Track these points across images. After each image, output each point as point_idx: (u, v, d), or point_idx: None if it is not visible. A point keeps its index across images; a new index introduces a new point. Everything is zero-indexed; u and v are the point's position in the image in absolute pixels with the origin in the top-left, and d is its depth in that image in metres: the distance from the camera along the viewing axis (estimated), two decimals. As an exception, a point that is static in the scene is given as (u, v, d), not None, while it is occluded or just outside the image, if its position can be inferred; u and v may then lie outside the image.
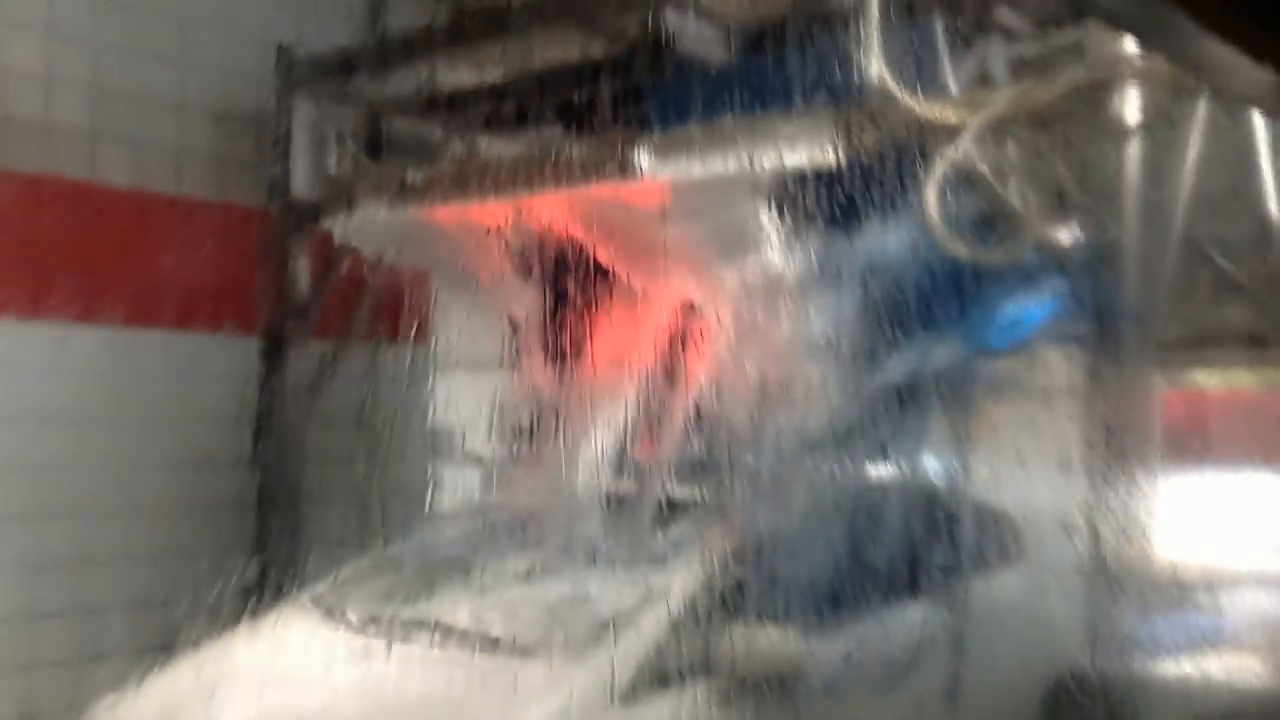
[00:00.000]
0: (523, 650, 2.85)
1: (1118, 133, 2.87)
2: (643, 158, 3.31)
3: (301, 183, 4.87)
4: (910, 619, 3.37)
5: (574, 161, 3.46)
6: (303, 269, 4.91)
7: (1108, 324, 2.89)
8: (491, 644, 2.92)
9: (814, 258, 3.31)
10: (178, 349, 5.15)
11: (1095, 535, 2.95)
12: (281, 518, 4.97)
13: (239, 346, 5.25)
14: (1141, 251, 2.94)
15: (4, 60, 4.74)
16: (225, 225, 5.30)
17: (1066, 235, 3.12)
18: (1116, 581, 2.93)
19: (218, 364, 5.25)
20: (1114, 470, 2.93)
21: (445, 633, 3.02)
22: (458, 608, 3.10)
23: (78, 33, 4.94)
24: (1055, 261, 3.17)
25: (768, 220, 3.24)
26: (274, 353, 5.01)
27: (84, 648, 4.83)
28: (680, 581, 2.89)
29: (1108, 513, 2.94)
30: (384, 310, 5.15)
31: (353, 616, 3.23)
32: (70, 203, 4.90)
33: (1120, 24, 1.90)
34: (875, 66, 3.04)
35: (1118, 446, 2.93)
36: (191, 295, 5.18)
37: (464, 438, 4.70)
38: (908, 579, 3.29)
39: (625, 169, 3.32)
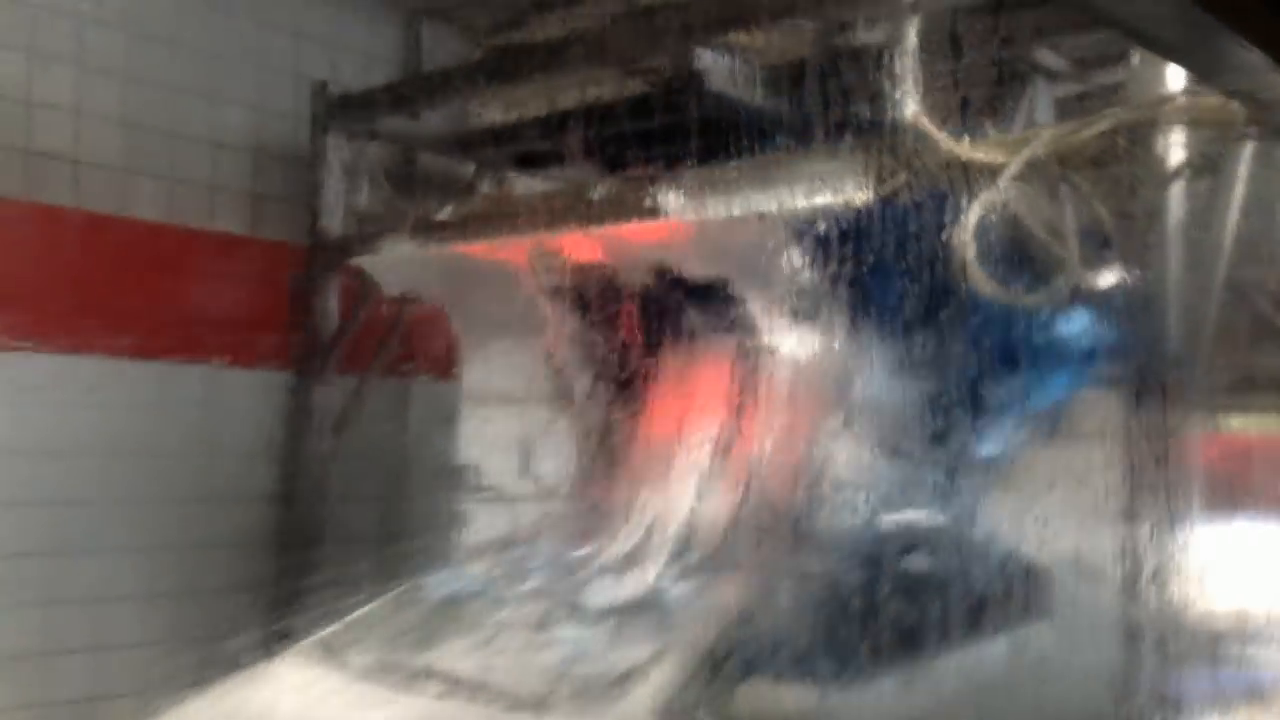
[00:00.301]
0: (530, 704, 2.74)
1: (1161, 174, 2.80)
2: (669, 197, 3.26)
3: (333, 219, 4.87)
4: (940, 672, 3.27)
5: (601, 200, 3.42)
6: (332, 305, 4.90)
7: (1148, 369, 2.81)
8: (497, 696, 2.81)
9: (845, 302, 3.25)
10: (206, 383, 5.15)
11: (1133, 584, 2.86)
12: (305, 555, 4.93)
13: (268, 381, 5.25)
14: (1183, 296, 2.86)
15: (35, 93, 4.78)
16: (257, 260, 5.32)
17: (1107, 279, 3.04)
18: (1155, 632, 2.84)
19: (246, 398, 5.24)
20: (1154, 517, 2.84)
21: (449, 683, 2.91)
22: (464, 657, 2.99)
23: (110, 66, 4.98)
24: (1096, 306, 3.09)
25: (797, 263, 3.19)
26: (301, 388, 4.99)
27: (101, 685, 4.80)
28: (695, 634, 2.79)
29: (1146, 561, 2.84)
30: (413, 346, 5.14)
31: (356, 662, 3.13)
32: (101, 236, 4.92)
33: (1169, 51, 1.84)
34: (910, 105, 2.99)
35: (1158, 493, 2.84)
36: (221, 329, 5.18)
37: (491, 475, 4.64)
38: (938, 632, 3.20)
39: (651, 208, 3.27)
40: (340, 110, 4.85)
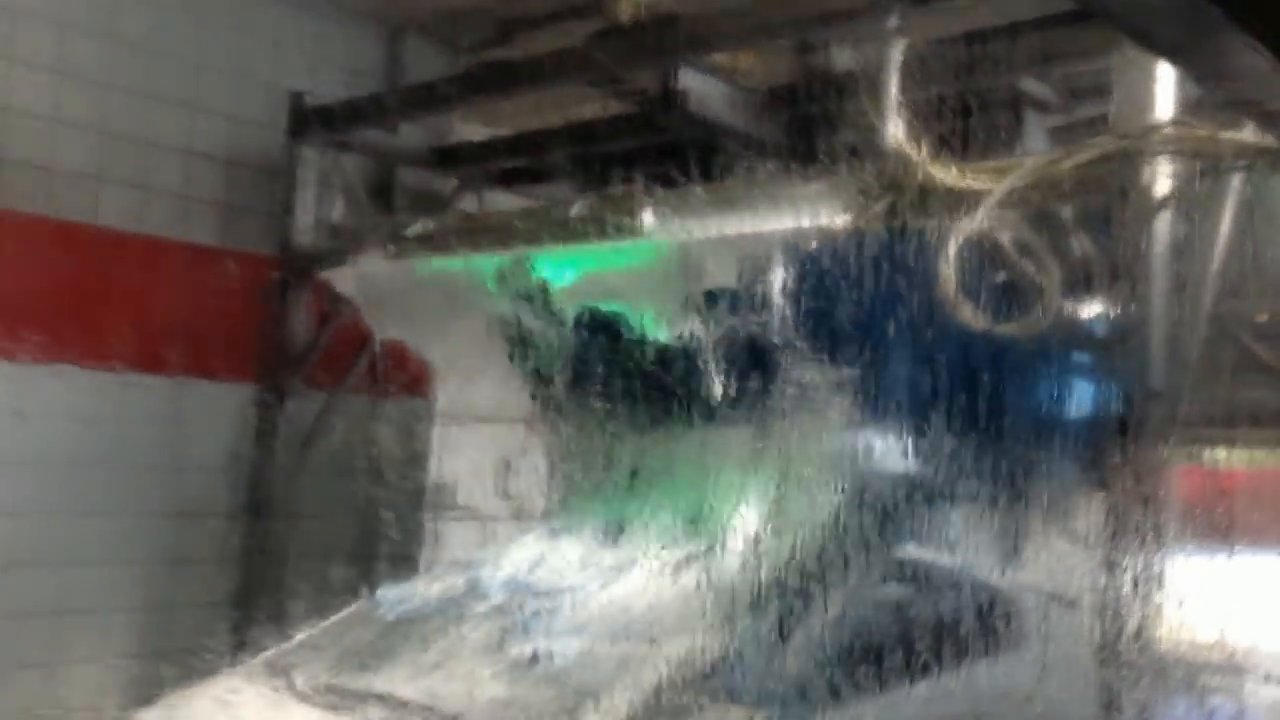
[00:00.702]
0: None
1: (1146, 205, 2.76)
2: (646, 216, 3.20)
3: (305, 231, 4.80)
4: (910, 703, 3.20)
5: (577, 218, 3.36)
6: (301, 318, 4.82)
7: (1131, 401, 2.76)
8: None
9: (824, 328, 3.20)
10: (175, 395, 5.06)
11: (1114, 617, 2.82)
12: (269, 570, 4.83)
13: (237, 394, 5.16)
14: (1166, 328, 2.82)
15: (10, 100, 4.69)
16: (229, 272, 5.23)
17: (1090, 309, 3.00)
18: (1133, 666, 2.79)
19: (215, 411, 5.15)
20: (1134, 550, 2.80)
21: (393, 707, 2.80)
22: (412, 679, 2.88)
23: (86, 74, 4.90)
24: (1077, 337, 3.05)
25: (775, 287, 3.13)
26: (269, 402, 4.90)
27: (65, 699, 4.69)
28: (660, 654, 2.70)
29: (1126, 594, 2.80)
30: (384, 362, 5.06)
31: (299, 682, 3.02)
32: (72, 246, 4.83)
33: (1169, 51, 1.77)
34: (893, 129, 2.95)
35: (1139, 526, 2.80)
36: (192, 341, 5.09)
37: (461, 493, 4.56)
38: (905, 662, 3.14)
39: (628, 227, 3.21)
40: (315, 121, 4.78)
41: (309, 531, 5.00)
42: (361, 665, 3.03)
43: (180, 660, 3.81)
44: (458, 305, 3.69)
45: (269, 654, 3.21)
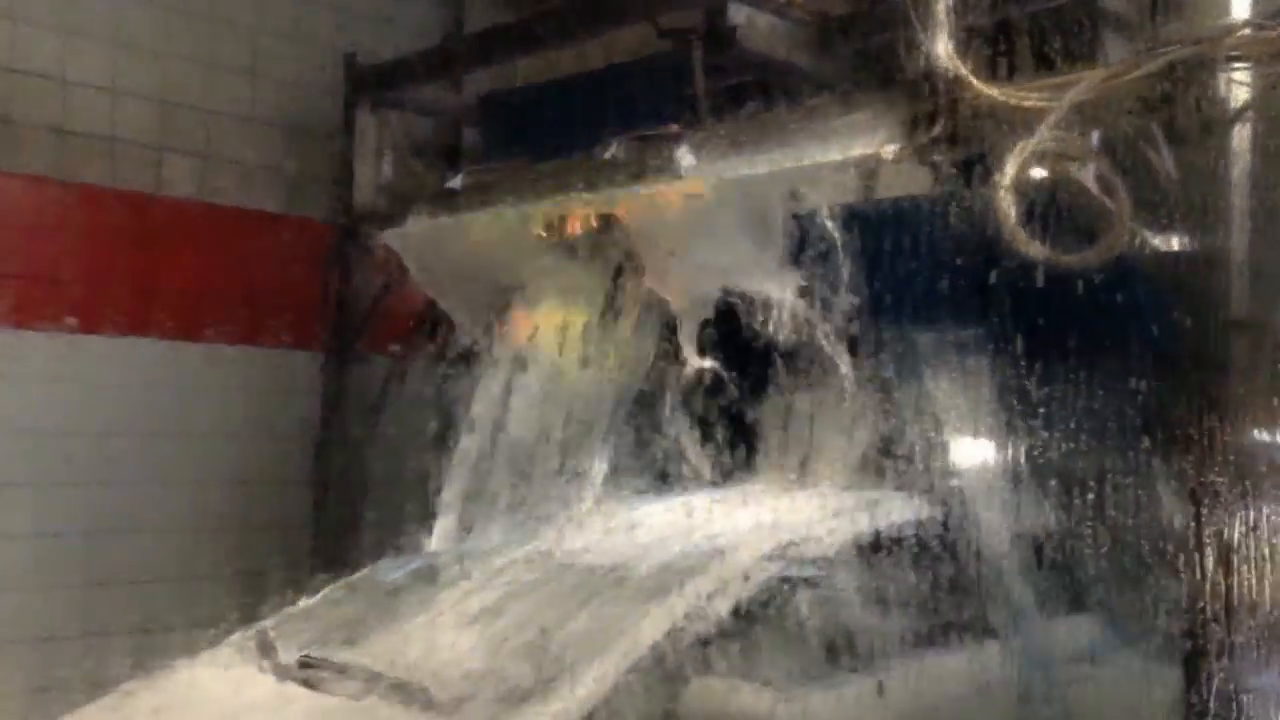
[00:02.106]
0: (448, 708, 2.50)
1: (1223, 118, 2.50)
2: (685, 156, 3.03)
3: (364, 194, 4.73)
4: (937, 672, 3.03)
5: (614, 163, 3.20)
6: (363, 283, 4.76)
7: (1211, 339, 2.51)
8: (413, 697, 2.57)
9: (878, 264, 3.00)
10: (242, 364, 5.08)
11: (1199, 579, 2.59)
12: (339, 537, 4.81)
13: (303, 361, 5.16)
14: (1251, 255, 2.56)
15: (70, 73, 4.73)
16: (294, 239, 5.22)
17: (1166, 236, 2.74)
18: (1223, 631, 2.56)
19: (283, 379, 5.16)
20: (1216, 515, 2.55)
21: (368, 680, 2.68)
22: (393, 653, 2.79)
23: (145, 44, 4.91)
24: (1153, 266, 2.79)
25: (825, 225, 2.94)
26: (335, 369, 4.87)
27: (143, 665, 4.76)
28: (639, 631, 2.56)
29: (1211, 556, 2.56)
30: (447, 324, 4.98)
31: (283, 656, 2.91)
32: (136, 215, 4.86)
33: None
34: (942, 46, 2.72)
35: (1221, 488, 2.56)
36: (258, 309, 5.10)
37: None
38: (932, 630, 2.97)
39: (666, 169, 3.05)
40: (372, 81, 4.70)
41: (377, 498, 4.97)
42: (345, 638, 2.94)
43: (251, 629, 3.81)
44: (497, 260, 3.57)
45: (260, 626, 3.14)
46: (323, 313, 4.96)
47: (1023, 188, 2.67)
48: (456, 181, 3.73)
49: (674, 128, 3.21)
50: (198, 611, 4.85)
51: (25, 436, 4.54)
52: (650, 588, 2.73)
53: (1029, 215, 2.70)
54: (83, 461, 4.70)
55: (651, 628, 2.56)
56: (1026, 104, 2.67)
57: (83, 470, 4.69)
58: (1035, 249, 2.65)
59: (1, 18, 4.55)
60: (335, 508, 4.88)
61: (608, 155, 3.21)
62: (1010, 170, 2.64)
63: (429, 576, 3.19)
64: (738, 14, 3.79)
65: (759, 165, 2.97)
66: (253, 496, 5.05)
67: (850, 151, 2.88)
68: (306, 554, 4.94)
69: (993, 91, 2.70)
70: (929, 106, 2.78)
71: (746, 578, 2.75)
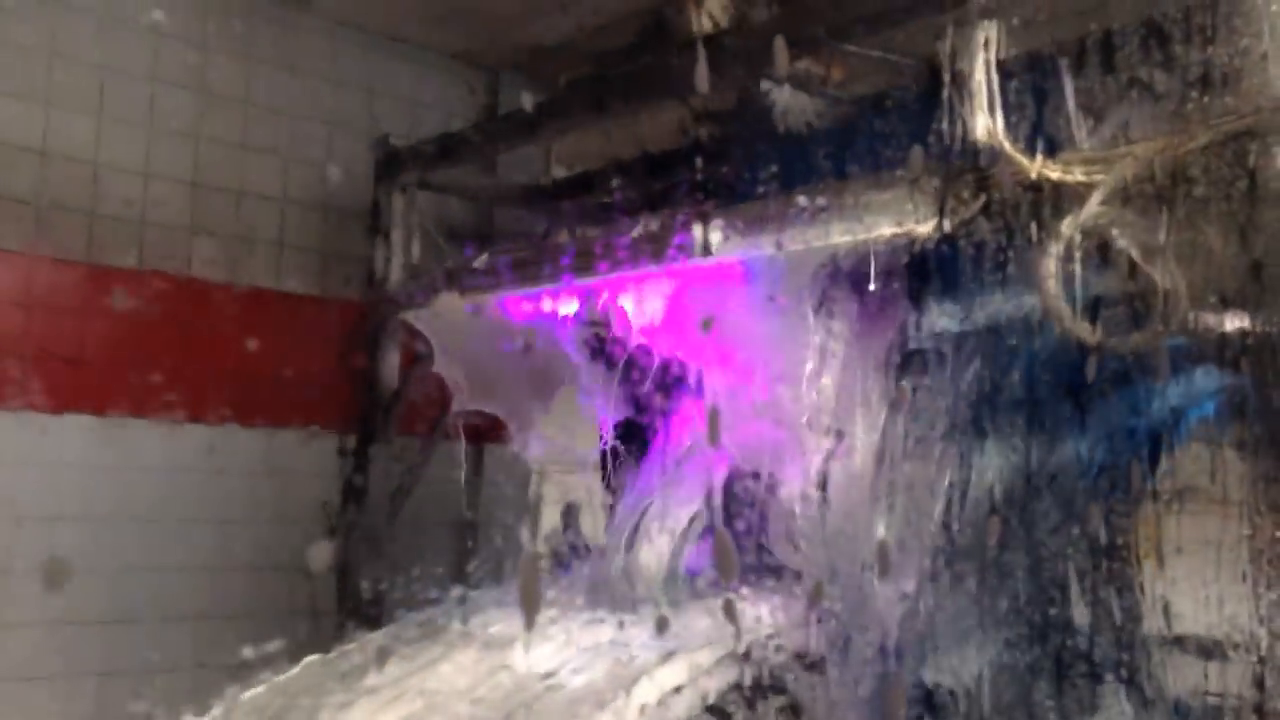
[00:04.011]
0: None
1: (1282, 191, 2.36)
2: (711, 234, 2.92)
3: (393, 275, 4.67)
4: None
5: (638, 239, 3.10)
6: (390, 364, 4.68)
7: (1274, 423, 2.34)
8: None
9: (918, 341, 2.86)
10: (266, 446, 5.00)
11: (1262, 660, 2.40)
12: (364, 620, 4.66)
13: (330, 444, 5.08)
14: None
15: (103, 156, 4.73)
16: (325, 320, 5.18)
17: (1223, 318, 2.58)
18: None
19: (307, 461, 5.08)
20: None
21: None
22: None
23: (178, 127, 4.92)
24: (1210, 350, 2.63)
25: (857, 304, 2.82)
26: (359, 451, 4.77)
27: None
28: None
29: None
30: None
31: None
32: (165, 299, 4.83)
33: None
34: (982, 121, 2.61)
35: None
36: (286, 391, 5.04)
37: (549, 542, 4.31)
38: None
39: (691, 247, 2.94)
40: (402, 162, 4.67)
41: (402, 582, 4.84)
42: None
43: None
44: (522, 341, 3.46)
45: (214, 714, 2.97)
46: (348, 394, 4.88)
47: (1068, 266, 2.53)
48: (482, 262, 3.64)
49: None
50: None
51: (41, 522, 4.46)
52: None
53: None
54: (108, 546, 4.60)
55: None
56: (1071, 179, 2.54)
57: (106, 557, 4.60)
58: (1085, 331, 2.50)
59: (33, 101, 4.57)
60: (356, 594, 4.74)
61: (634, 234, 3.11)
62: (1055, 248, 2.51)
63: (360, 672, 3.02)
64: (771, 93, 3.72)
65: (787, 242, 2.84)
66: (274, 583, 4.94)
67: (884, 230, 2.75)
68: (330, 642, 4.79)
69: (1036, 166, 2.58)
70: (970, 183, 2.66)
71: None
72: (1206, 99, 2.64)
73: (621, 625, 2.99)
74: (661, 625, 2.85)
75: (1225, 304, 2.58)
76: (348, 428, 4.92)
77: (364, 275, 5.00)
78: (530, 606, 2.79)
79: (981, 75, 2.63)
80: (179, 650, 4.73)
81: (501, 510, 4.73)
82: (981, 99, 2.64)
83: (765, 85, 3.67)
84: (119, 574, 4.64)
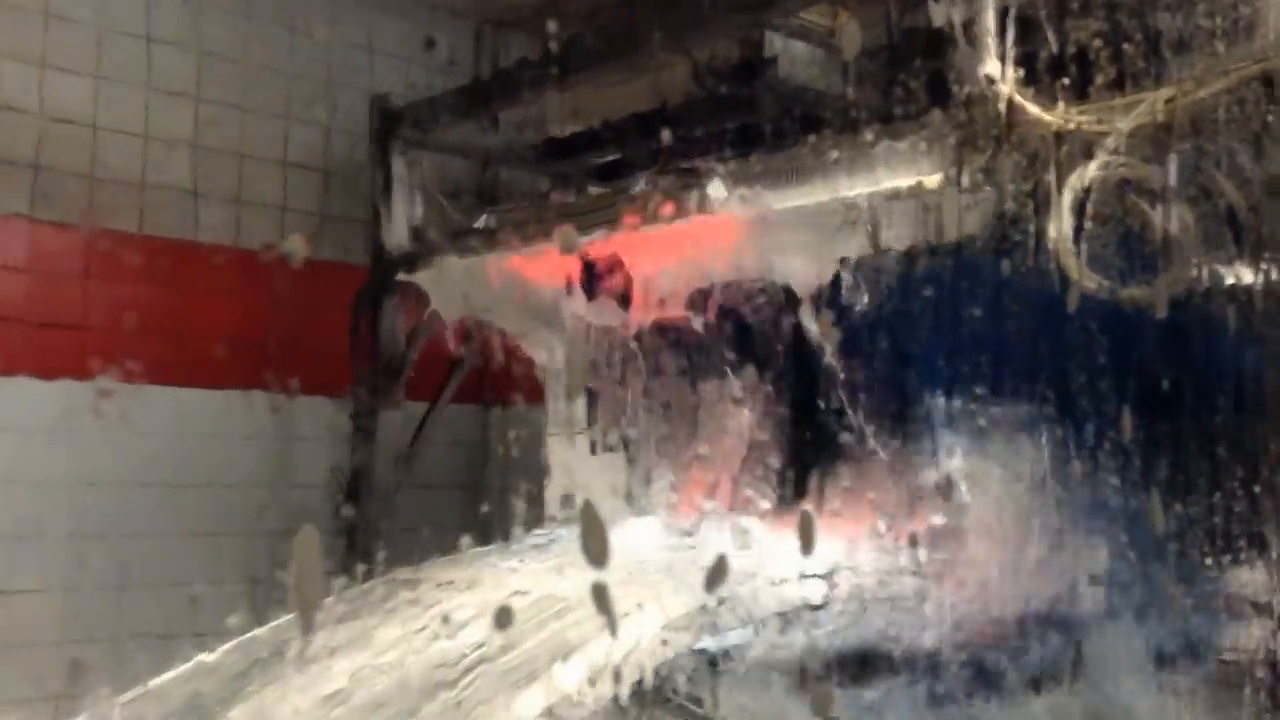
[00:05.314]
0: None
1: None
2: (716, 189, 2.86)
3: (394, 236, 4.61)
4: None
5: (643, 199, 3.05)
6: (394, 327, 4.63)
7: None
8: None
9: (926, 301, 2.81)
10: (273, 411, 4.97)
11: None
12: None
13: (335, 408, 5.05)
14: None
15: (103, 119, 4.68)
16: (325, 282, 5.13)
17: (1239, 269, 2.53)
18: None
19: (313, 427, 5.05)
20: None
21: None
22: None
23: (178, 89, 4.86)
24: (1226, 303, 2.58)
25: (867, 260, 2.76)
26: (365, 416, 4.73)
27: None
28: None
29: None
30: (480, 371, 4.85)
31: None
32: (169, 263, 4.79)
33: None
34: (991, 69, 2.55)
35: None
36: (291, 355, 4.99)
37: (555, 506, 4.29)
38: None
39: (696, 203, 2.89)
40: (400, 122, 4.60)
41: (408, 549, 4.83)
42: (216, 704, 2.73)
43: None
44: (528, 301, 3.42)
45: (122, 700, 2.91)
46: (353, 357, 4.84)
47: (1079, 217, 2.48)
48: (484, 221, 3.59)
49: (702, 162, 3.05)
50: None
51: (44, 487, 4.45)
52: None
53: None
54: (117, 511, 4.60)
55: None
56: (1084, 128, 2.48)
57: (106, 521, 4.59)
58: (1096, 284, 2.46)
59: (32, 64, 4.52)
60: (364, 560, 4.73)
61: (636, 190, 3.06)
62: (1067, 197, 2.46)
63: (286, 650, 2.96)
64: (775, 44, 3.65)
65: (790, 198, 2.79)
66: (280, 547, 4.92)
67: (893, 182, 2.70)
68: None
69: (1048, 114, 2.52)
70: (978, 133, 2.60)
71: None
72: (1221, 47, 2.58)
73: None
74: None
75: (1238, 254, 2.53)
76: (353, 391, 4.87)
77: (365, 237, 4.95)
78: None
79: (993, 22, 2.57)
80: (180, 615, 4.71)
81: (511, 474, 4.70)
82: (990, 47, 2.57)
83: (769, 36, 3.61)
84: (124, 539, 4.63)
